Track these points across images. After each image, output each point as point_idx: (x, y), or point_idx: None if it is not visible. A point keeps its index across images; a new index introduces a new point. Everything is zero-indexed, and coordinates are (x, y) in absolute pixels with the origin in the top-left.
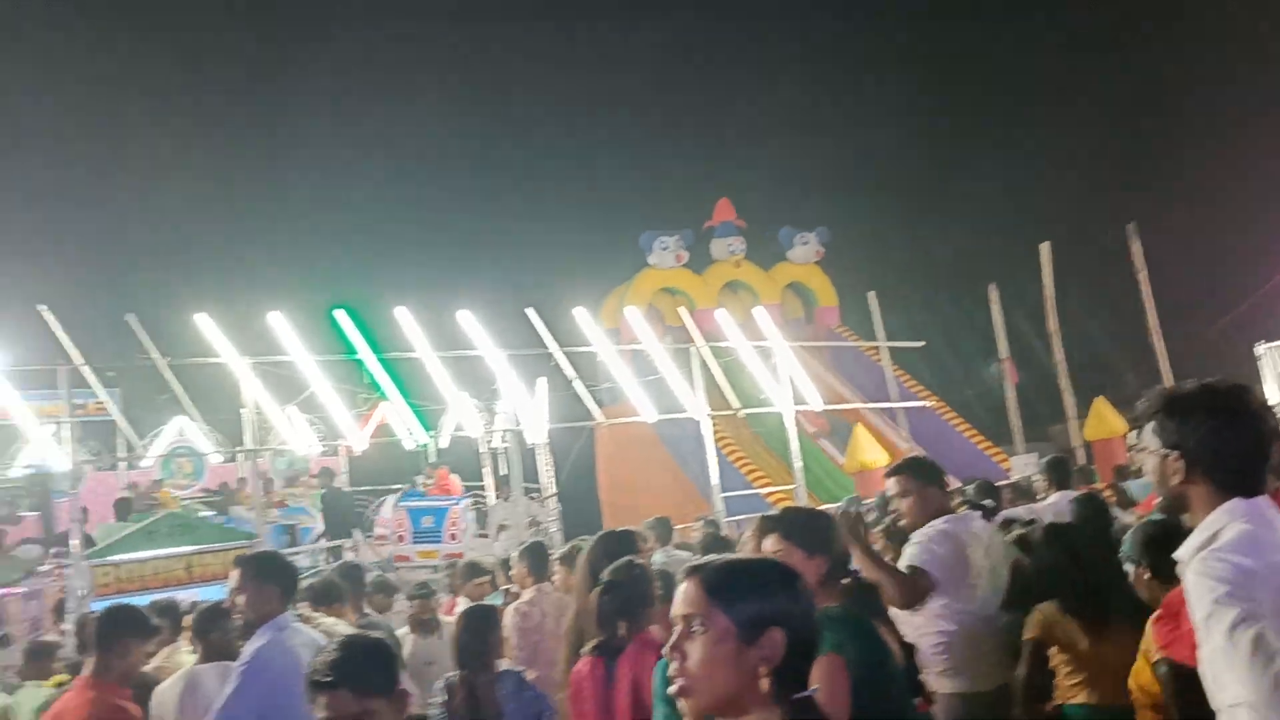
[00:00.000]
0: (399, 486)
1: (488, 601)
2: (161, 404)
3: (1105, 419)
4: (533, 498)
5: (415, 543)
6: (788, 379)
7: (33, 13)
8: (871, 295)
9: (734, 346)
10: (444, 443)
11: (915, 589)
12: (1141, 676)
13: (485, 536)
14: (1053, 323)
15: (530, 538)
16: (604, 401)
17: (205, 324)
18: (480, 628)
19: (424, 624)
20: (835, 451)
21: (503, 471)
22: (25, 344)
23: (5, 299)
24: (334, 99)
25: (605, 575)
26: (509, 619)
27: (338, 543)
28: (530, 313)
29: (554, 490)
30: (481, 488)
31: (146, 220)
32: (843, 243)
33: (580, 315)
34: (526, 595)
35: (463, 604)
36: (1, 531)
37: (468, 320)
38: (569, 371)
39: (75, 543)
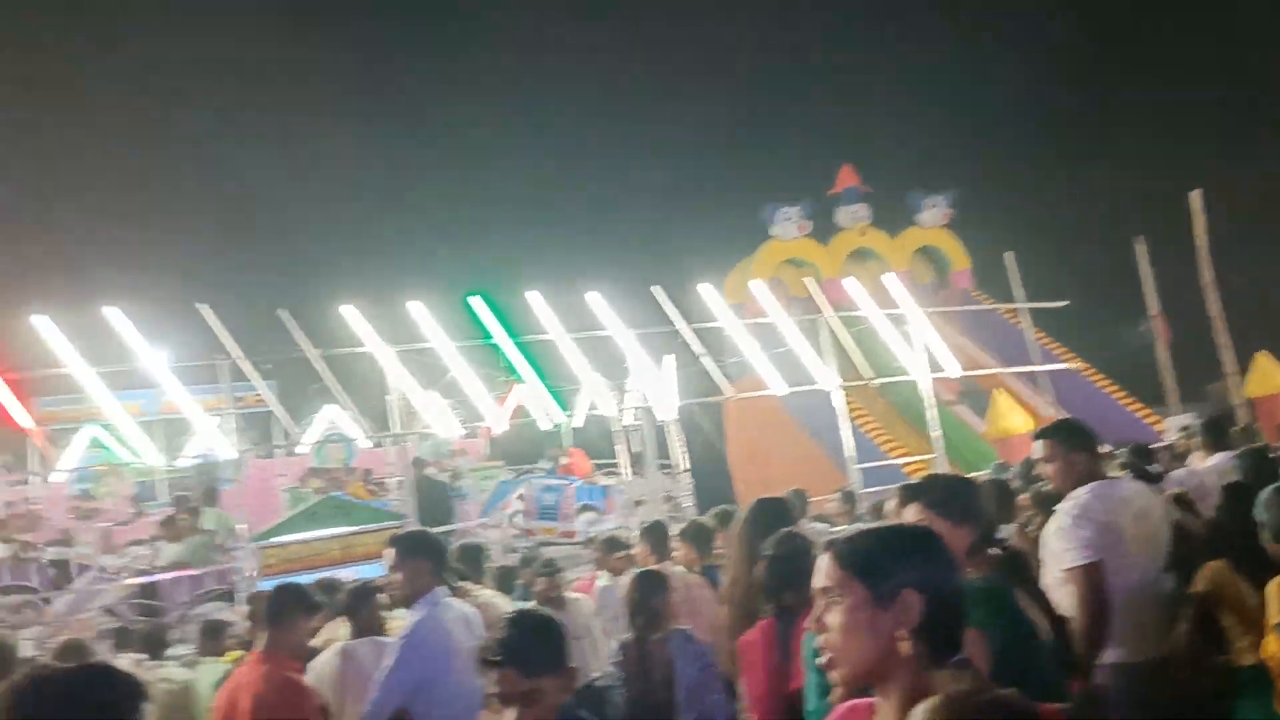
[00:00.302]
0: (531, 467)
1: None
2: (314, 393)
3: (1268, 374)
4: (666, 473)
5: (540, 519)
6: (922, 346)
7: (184, 22)
8: (1009, 255)
9: (864, 315)
10: (578, 422)
11: (1096, 589)
12: (1271, 645)
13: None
14: (1207, 275)
15: (666, 513)
16: (732, 376)
17: (351, 315)
18: (650, 590)
19: (552, 601)
20: (972, 418)
21: (636, 449)
22: (188, 342)
23: (168, 299)
24: (462, 94)
25: (766, 549)
26: None
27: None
28: (656, 291)
29: (686, 466)
30: (616, 465)
31: (295, 218)
32: (975, 203)
33: (705, 291)
34: None
35: (604, 578)
36: (195, 510)
37: (596, 301)
38: (696, 347)
39: (243, 526)
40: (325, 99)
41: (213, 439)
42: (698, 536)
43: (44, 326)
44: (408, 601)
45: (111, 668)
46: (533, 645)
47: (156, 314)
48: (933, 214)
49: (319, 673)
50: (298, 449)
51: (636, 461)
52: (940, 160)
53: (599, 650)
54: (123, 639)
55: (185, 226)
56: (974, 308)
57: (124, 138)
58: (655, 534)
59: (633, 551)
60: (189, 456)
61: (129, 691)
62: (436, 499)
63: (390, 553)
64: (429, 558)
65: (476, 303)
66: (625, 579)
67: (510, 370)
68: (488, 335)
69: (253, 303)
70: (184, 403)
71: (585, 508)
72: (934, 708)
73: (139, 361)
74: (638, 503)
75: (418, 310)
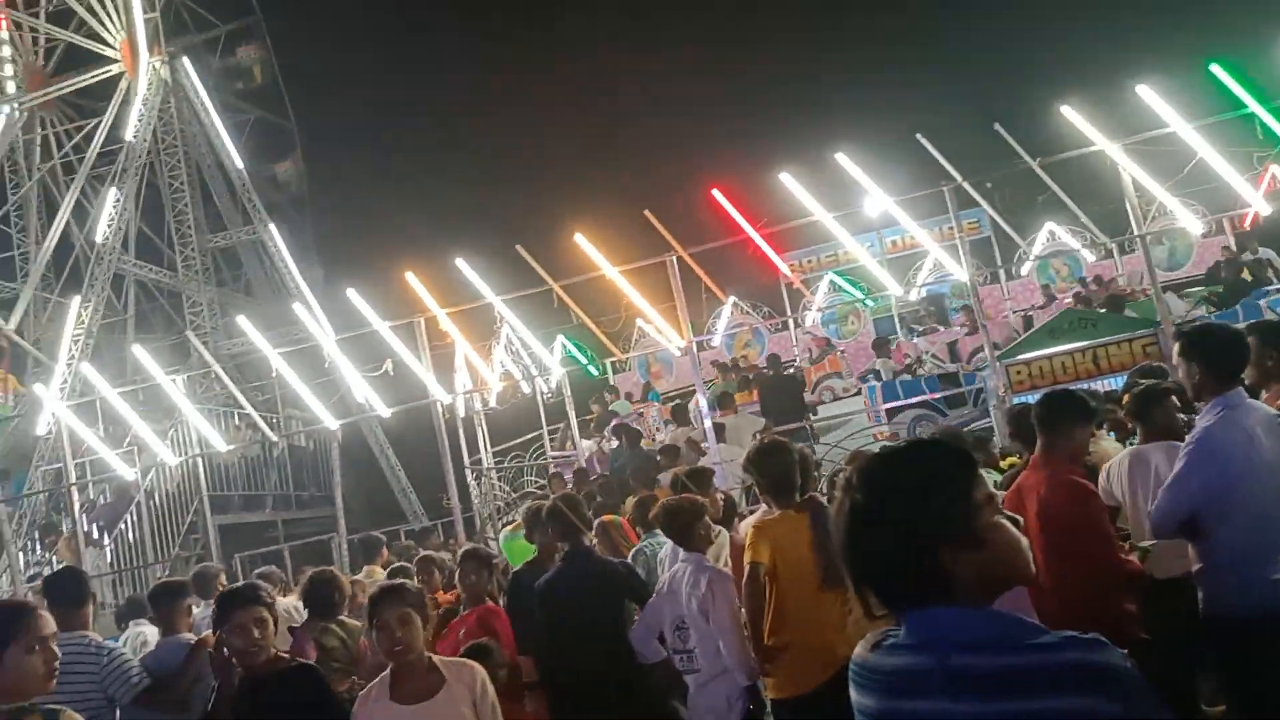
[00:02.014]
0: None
1: None
2: (1039, 207)
3: None
4: None
5: None
6: None
7: None
8: None
9: None
10: None
11: None
12: None
13: None
14: None
15: None
16: None
17: (1071, 115)
18: None
19: None
20: None
21: None
22: (909, 175)
23: (889, 133)
24: None
25: None
26: None
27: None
28: None
29: None
30: None
31: (1002, 28)
32: None
33: None
34: None
35: None
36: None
37: None
38: None
39: (986, 349)
40: None
41: (945, 264)
42: None
43: (788, 181)
44: (1197, 400)
45: (938, 442)
46: None
47: (880, 153)
48: None
49: (1113, 473)
50: (1023, 269)
51: None
52: None
53: None
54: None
55: (897, 63)
56: None
57: None
58: None
59: None
60: (918, 288)
61: (966, 459)
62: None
63: (1174, 349)
64: (1220, 357)
65: (1219, 71)
66: None
67: (1271, 139)
68: (1238, 105)
69: (966, 122)
70: (917, 233)
71: None
72: None
73: (869, 202)
74: None
75: (1146, 93)
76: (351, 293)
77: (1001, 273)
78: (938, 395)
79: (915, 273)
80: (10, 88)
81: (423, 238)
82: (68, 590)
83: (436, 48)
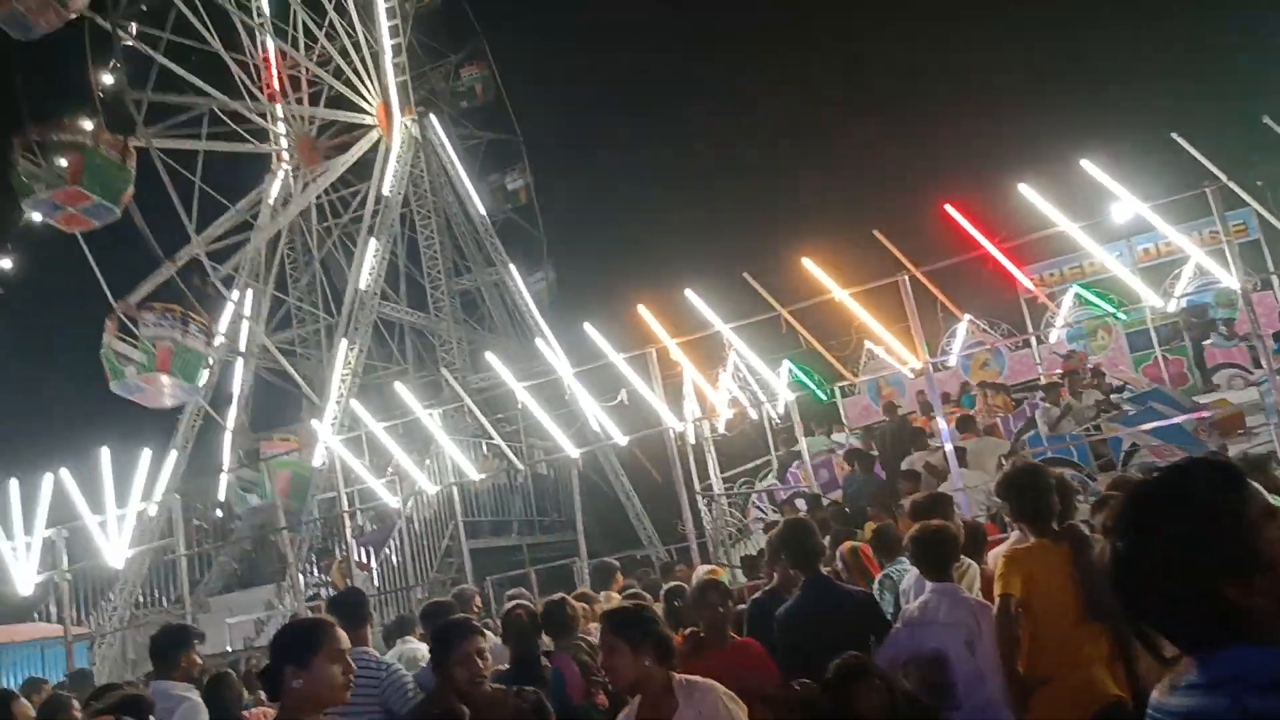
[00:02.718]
0: None
1: None
2: None
3: None
4: None
5: None
6: None
7: None
8: None
9: None
10: None
11: None
12: None
13: None
14: None
15: None
16: None
17: None
18: None
19: None
20: None
21: None
22: (1161, 177)
23: (1138, 134)
24: None
25: None
26: None
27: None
28: None
29: None
30: None
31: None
32: None
33: None
34: None
35: None
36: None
37: None
38: None
39: (1264, 362)
40: None
41: (1209, 271)
42: None
43: (1028, 192)
44: None
45: (1194, 465)
46: None
47: (1128, 156)
48: None
49: None
50: None
51: None
52: None
53: None
54: None
55: (1147, 57)
56: None
57: None
58: None
59: None
60: (1176, 299)
61: (1230, 477)
62: None
63: None
64: None
65: None
66: None
67: None
68: None
69: (1229, 116)
70: (1173, 237)
71: None
72: None
73: (1117, 208)
74: None
75: None
76: (588, 327)
77: (1274, 279)
78: (1047, 445)
79: (1172, 282)
80: (286, 157)
81: (653, 271)
82: (353, 609)
83: (662, 83)
